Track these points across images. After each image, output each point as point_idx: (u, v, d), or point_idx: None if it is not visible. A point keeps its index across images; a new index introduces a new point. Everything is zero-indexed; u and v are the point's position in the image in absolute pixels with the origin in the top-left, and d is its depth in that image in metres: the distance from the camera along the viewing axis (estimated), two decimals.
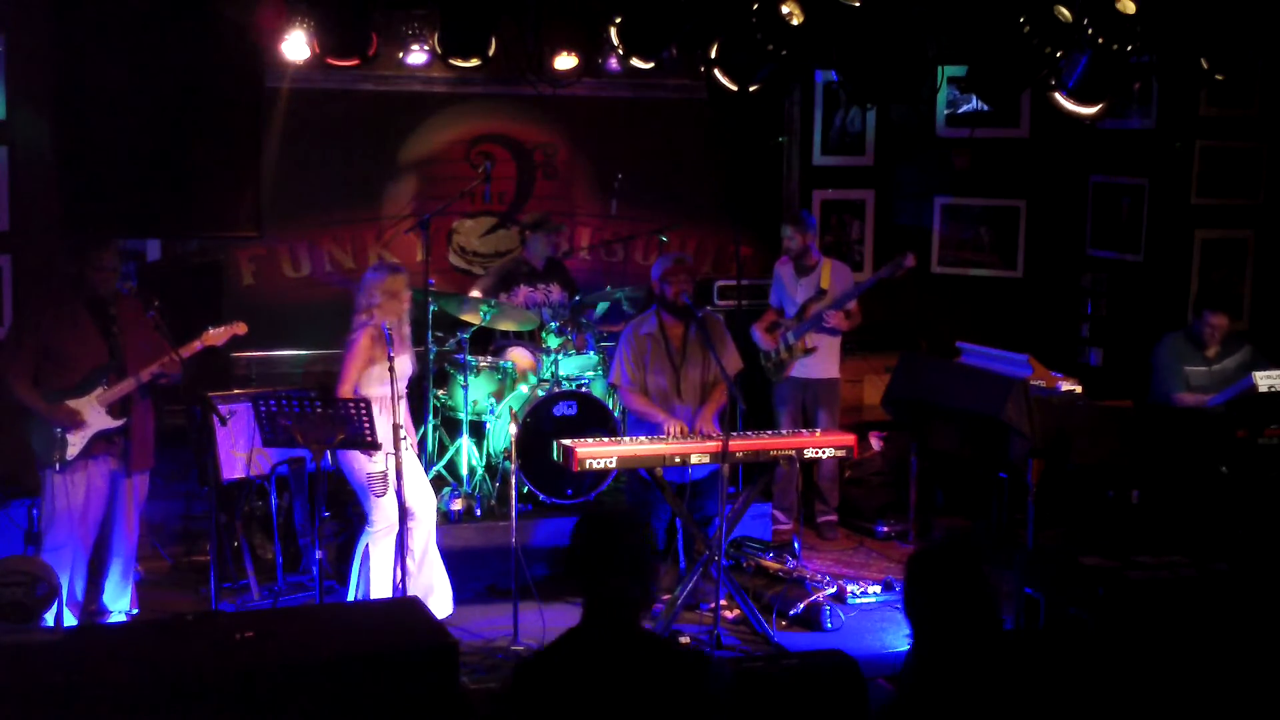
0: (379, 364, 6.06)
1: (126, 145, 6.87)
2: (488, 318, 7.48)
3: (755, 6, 6.25)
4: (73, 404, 5.85)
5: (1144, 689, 4.88)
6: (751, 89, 6.70)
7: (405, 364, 6.26)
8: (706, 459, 6.38)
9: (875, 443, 8.76)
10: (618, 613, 3.42)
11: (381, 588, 6.24)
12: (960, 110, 9.25)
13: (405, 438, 6.10)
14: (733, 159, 9.49)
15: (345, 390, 6.12)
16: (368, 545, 6.25)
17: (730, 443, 6.26)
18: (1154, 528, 6.89)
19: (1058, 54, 6.27)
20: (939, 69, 6.96)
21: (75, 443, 5.86)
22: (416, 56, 7.46)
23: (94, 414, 5.89)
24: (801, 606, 6.59)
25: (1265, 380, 6.76)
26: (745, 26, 6.31)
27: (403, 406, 6.24)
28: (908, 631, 3.36)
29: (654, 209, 9.03)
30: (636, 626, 3.46)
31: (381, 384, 6.03)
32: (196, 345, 6.02)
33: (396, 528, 6.10)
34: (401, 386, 6.21)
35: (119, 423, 5.95)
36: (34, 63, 6.97)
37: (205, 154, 7.05)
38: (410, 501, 6.06)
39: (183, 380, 6.04)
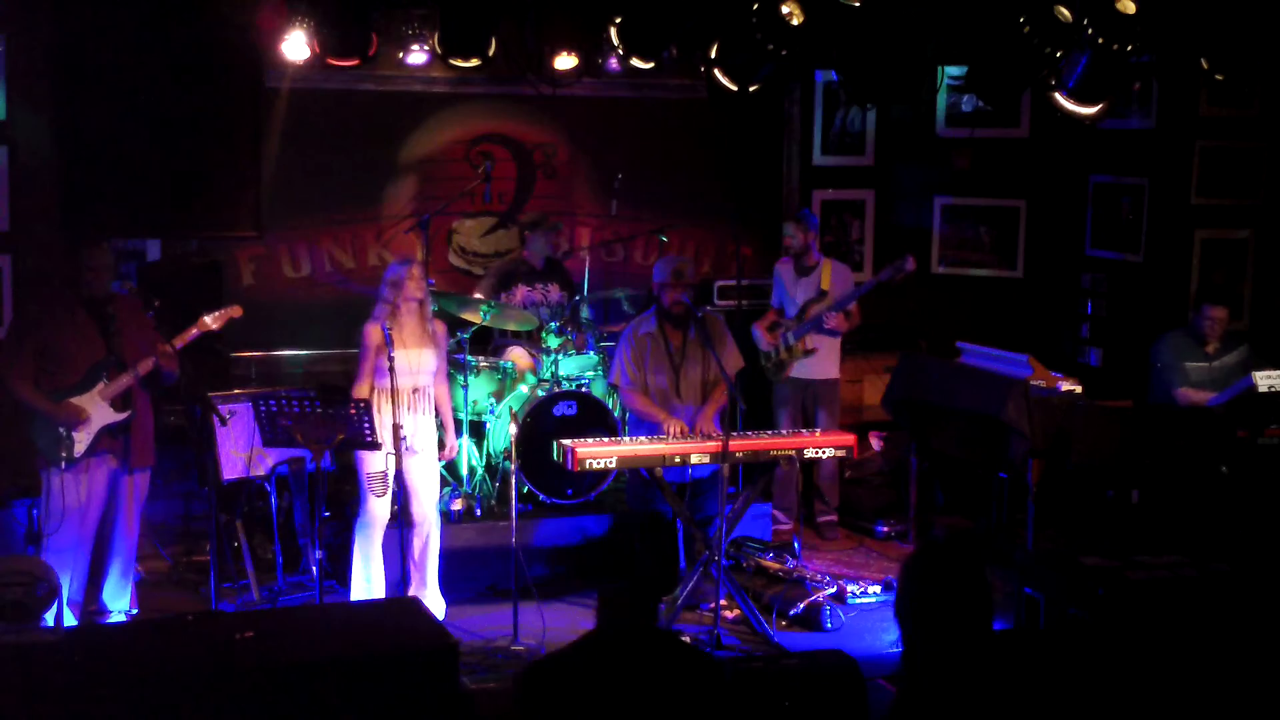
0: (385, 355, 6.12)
1: (126, 145, 6.88)
2: (487, 317, 7.49)
3: (755, 6, 6.25)
4: (76, 401, 5.85)
5: (1144, 689, 4.88)
6: (751, 89, 6.70)
7: (425, 358, 6.26)
8: (706, 459, 6.38)
9: (875, 443, 8.76)
10: (634, 613, 3.42)
11: (369, 582, 6.27)
12: (962, 104, 9.25)
13: (406, 437, 6.10)
14: (733, 159, 9.49)
15: (360, 388, 6.18)
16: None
17: (730, 443, 6.26)
18: (1154, 528, 6.90)
19: (1058, 54, 6.27)
20: (939, 69, 6.97)
21: (82, 439, 5.86)
22: (416, 56, 7.46)
23: (98, 409, 5.89)
24: (801, 606, 6.59)
25: (1265, 380, 6.77)
26: (745, 26, 6.31)
27: (427, 402, 6.26)
28: (896, 635, 3.35)
29: (654, 209, 9.02)
30: (653, 626, 3.46)
31: (385, 377, 6.10)
32: (194, 331, 6.01)
33: (384, 524, 6.11)
34: (419, 379, 6.23)
35: (124, 415, 5.95)
36: (34, 63, 6.98)
37: (205, 154, 7.06)
38: (415, 508, 6.07)
39: (181, 377, 6.03)
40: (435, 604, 6.36)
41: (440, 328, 6.43)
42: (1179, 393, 7.17)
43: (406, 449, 6.07)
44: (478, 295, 7.80)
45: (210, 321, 6.07)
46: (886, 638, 6.43)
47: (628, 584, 3.40)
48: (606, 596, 3.42)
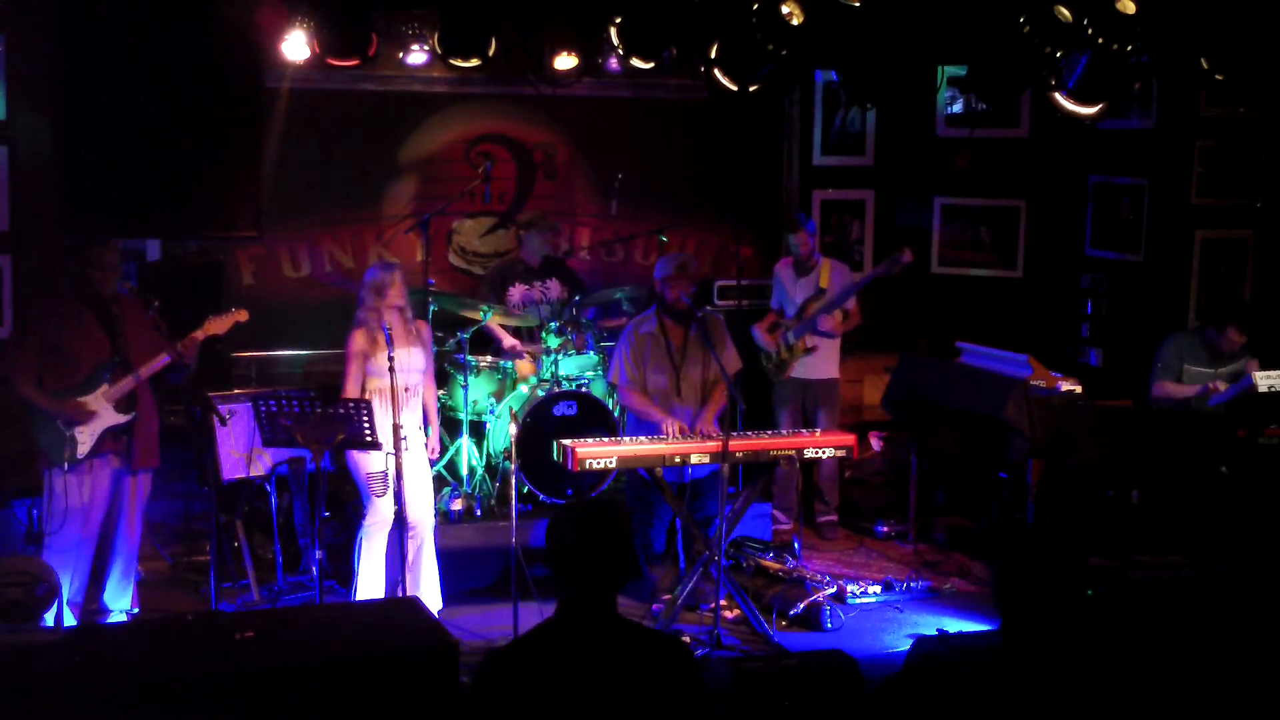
0: (375, 358, 6.12)
1: (126, 145, 6.86)
2: (487, 317, 7.51)
3: (755, 6, 6.25)
4: (80, 399, 5.84)
5: (1144, 689, 4.88)
6: (751, 89, 6.70)
7: (414, 357, 6.27)
8: (706, 459, 6.38)
9: (875, 443, 8.76)
10: (593, 603, 3.35)
11: (371, 583, 6.26)
12: (955, 109, 9.25)
13: (406, 437, 6.10)
14: (733, 159, 9.49)
15: (350, 390, 6.19)
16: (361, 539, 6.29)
17: (730, 443, 6.26)
18: (1154, 528, 6.90)
19: (1058, 54, 6.27)
20: (939, 69, 6.96)
21: (85, 440, 5.86)
22: (416, 56, 7.46)
23: (101, 409, 5.89)
24: (801, 606, 6.59)
25: (1265, 380, 6.77)
26: (745, 26, 6.30)
27: (416, 400, 6.27)
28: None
29: (654, 209, 9.02)
30: (613, 615, 3.39)
31: (380, 378, 6.09)
32: (198, 335, 6.00)
33: (389, 525, 6.13)
34: (409, 379, 6.23)
35: (127, 418, 5.95)
36: (34, 63, 6.97)
37: (205, 154, 7.03)
38: (407, 507, 6.07)
39: (193, 369, 6.03)
40: (432, 604, 6.36)
41: (425, 328, 6.46)
42: (1157, 385, 7.16)
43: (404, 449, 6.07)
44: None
45: (215, 326, 6.05)
46: (887, 638, 6.43)
47: (571, 567, 3.34)
48: (560, 588, 3.39)
